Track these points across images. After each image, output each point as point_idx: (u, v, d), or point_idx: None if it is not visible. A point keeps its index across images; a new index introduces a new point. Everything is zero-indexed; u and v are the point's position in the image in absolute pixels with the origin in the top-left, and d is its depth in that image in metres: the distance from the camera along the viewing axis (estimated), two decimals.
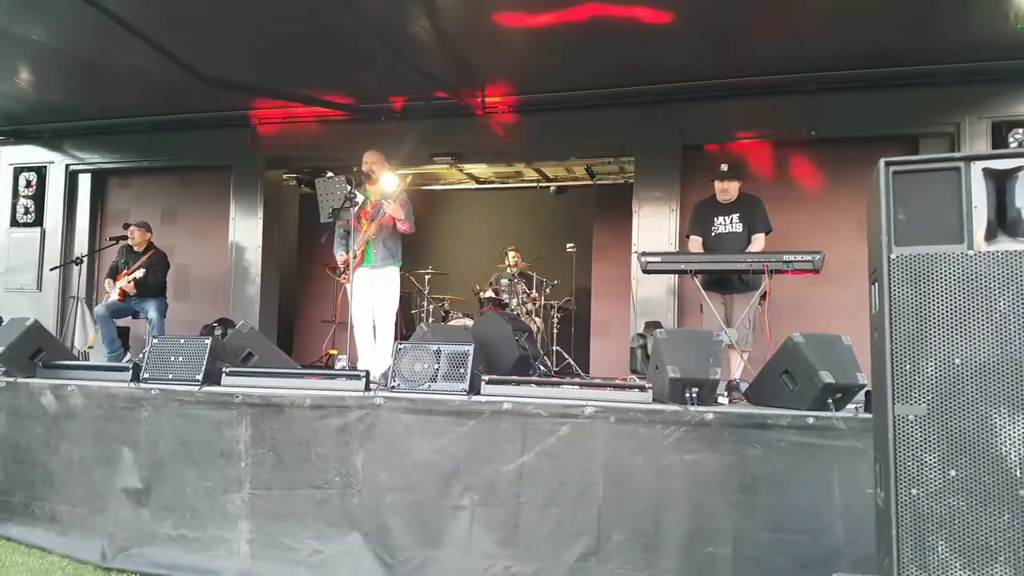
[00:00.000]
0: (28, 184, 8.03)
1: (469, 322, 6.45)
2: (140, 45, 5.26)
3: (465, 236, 9.58)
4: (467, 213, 9.75)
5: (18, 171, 8.07)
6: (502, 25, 5.08)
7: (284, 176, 8.14)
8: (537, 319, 7.19)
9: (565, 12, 4.85)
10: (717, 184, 5.22)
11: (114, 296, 6.38)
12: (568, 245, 7.56)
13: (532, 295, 7.26)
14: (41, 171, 8.02)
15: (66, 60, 5.95)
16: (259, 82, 6.30)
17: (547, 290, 7.33)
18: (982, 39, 5.05)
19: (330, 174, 5.20)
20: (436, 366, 3.58)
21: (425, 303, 7.43)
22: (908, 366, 1.97)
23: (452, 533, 3.36)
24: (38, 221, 7.99)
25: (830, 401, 3.13)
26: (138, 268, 6.36)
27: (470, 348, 3.61)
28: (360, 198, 5.25)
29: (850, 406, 3.20)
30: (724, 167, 5.18)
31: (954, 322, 1.93)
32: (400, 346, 3.75)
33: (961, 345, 1.92)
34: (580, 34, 5.13)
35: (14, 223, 8.05)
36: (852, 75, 5.63)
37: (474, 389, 3.52)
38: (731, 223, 5.18)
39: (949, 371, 1.93)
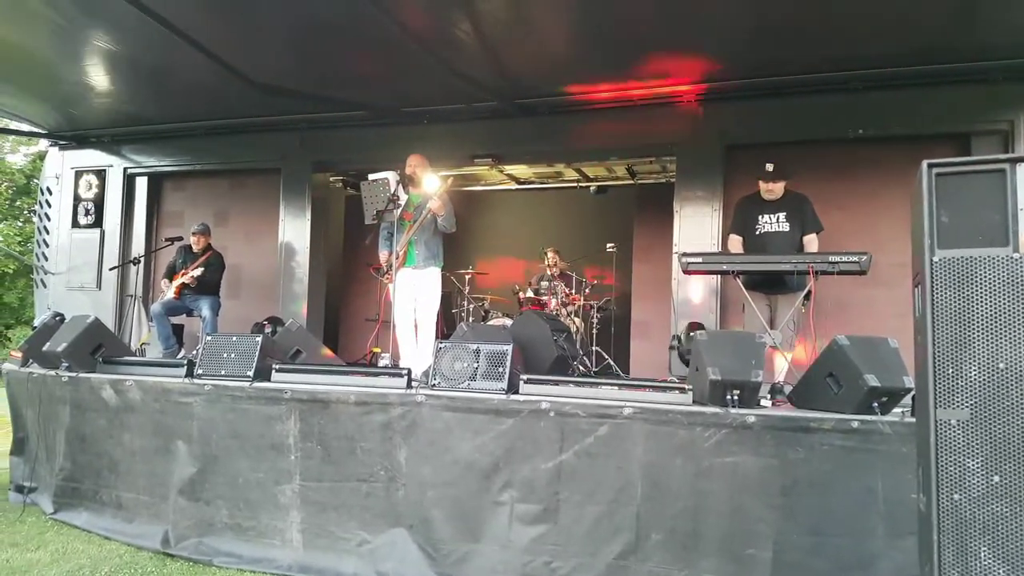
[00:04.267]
0: (89, 187, 8.38)
1: (508, 322, 6.51)
2: (195, 53, 5.47)
3: (505, 236, 9.63)
4: (507, 213, 9.80)
5: (79, 174, 8.42)
6: (541, 28, 5.14)
7: (330, 179, 8.32)
8: (576, 319, 7.21)
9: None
10: (762, 184, 5.13)
11: (170, 295, 6.63)
12: (608, 245, 7.55)
13: (572, 295, 7.28)
14: (101, 174, 8.35)
15: (126, 69, 6.22)
16: (306, 88, 6.47)
17: (587, 290, 7.34)
18: None
19: (373, 176, 5.31)
20: (475, 365, 3.65)
21: (465, 303, 7.51)
22: (951, 370, 1.95)
23: (492, 527, 3.43)
24: (98, 222, 8.31)
25: (875, 405, 3.09)
26: (198, 266, 6.61)
27: (509, 348, 3.67)
28: (403, 199, 5.36)
29: (896, 410, 3.15)
30: (769, 167, 5.06)
31: (998, 326, 1.92)
32: (441, 345, 3.82)
33: (1005, 349, 1.90)
34: (619, 38, 5.14)
35: (75, 224, 8.39)
36: (900, 72, 5.48)
37: (513, 388, 3.57)
38: (777, 222, 5.09)
39: (993, 375, 1.91)
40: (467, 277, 7.52)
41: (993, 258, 1.94)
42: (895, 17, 4.69)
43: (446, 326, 7.17)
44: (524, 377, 3.63)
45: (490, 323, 6.99)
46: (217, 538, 3.95)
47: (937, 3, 4.54)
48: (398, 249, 5.34)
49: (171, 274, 6.86)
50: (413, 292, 5.43)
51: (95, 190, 8.35)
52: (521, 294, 7.39)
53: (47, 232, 8.61)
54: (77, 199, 8.41)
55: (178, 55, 5.63)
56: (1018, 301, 1.90)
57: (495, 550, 3.41)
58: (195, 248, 6.91)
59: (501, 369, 3.60)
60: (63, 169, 8.52)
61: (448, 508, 3.52)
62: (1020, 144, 5.32)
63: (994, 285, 1.92)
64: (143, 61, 6.05)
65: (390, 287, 5.42)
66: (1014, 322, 1.90)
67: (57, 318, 5.53)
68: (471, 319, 7.37)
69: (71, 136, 8.38)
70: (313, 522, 3.77)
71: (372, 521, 3.66)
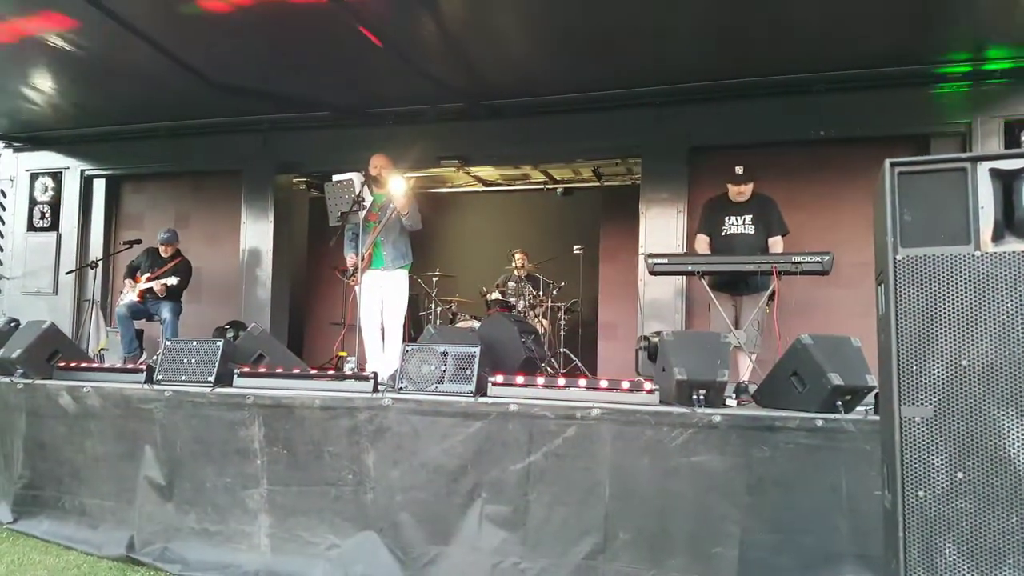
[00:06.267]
0: (45, 189, 8.13)
1: (476, 324, 6.47)
2: (151, 52, 5.32)
3: (472, 238, 9.59)
4: (474, 215, 9.76)
5: (35, 176, 8.16)
6: (505, 30, 5.12)
7: (294, 180, 8.18)
8: (544, 321, 7.19)
9: None
10: (732, 188, 5.17)
11: (133, 296, 6.46)
12: (575, 247, 7.56)
13: (539, 297, 7.27)
14: (57, 177, 8.11)
15: (80, 67, 6.01)
16: (268, 88, 6.34)
17: (554, 292, 7.34)
18: (992, 37, 5.01)
19: (337, 178, 5.23)
20: (443, 368, 3.61)
21: (432, 305, 7.45)
22: (915, 368, 1.96)
23: (462, 530, 3.40)
24: (54, 226, 8.07)
25: (839, 403, 3.12)
26: (171, 275, 6.43)
27: (476, 350, 3.63)
28: (368, 201, 5.28)
29: (859, 408, 3.19)
30: (739, 170, 5.09)
31: (961, 323, 1.92)
32: (407, 348, 3.77)
33: (968, 346, 1.91)
34: (586, 36, 5.14)
35: (31, 228, 8.13)
36: (861, 75, 5.58)
37: (480, 390, 3.54)
38: (743, 224, 5.14)
39: (956, 373, 1.92)
40: (434, 279, 7.46)
41: (955, 256, 1.95)
42: (857, 19, 4.76)
43: (413, 329, 7.10)
44: (492, 379, 3.59)
45: (458, 325, 6.95)
46: (183, 543, 3.87)
47: (899, 6, 4.61)
48: (363, 251, 5.26)
49: (132, 274, 6.68)
50: (380, 294, 5.37)
51: (51, 192, 8.11)
52: (488, 296, 7.36)
53: (1, 236, 8.33)
54: (33, 202, 8.16)
55: (132, 54, 5.47)
56: (980, 298, 1.91)
57: (465, 552, 3.38)
58: (163, 255, 6.75)
59: (469, 371, 3.57)
60: (18, 171, 8.25)
61: (417, 511, 3.48)
62: (977, 145, 5.45)
63: (956, 283, 1.94)
64: (97, 61, 5.84)
65: (356, 289, 5.34)
66: (976, 319, 1.91)
67: (12, 324, 5.36)
68: (438, 321, 7.31)
69: (26, 138, 8.11)
70: (281, 526, 3.71)
71: (341, 525, 3.61)
